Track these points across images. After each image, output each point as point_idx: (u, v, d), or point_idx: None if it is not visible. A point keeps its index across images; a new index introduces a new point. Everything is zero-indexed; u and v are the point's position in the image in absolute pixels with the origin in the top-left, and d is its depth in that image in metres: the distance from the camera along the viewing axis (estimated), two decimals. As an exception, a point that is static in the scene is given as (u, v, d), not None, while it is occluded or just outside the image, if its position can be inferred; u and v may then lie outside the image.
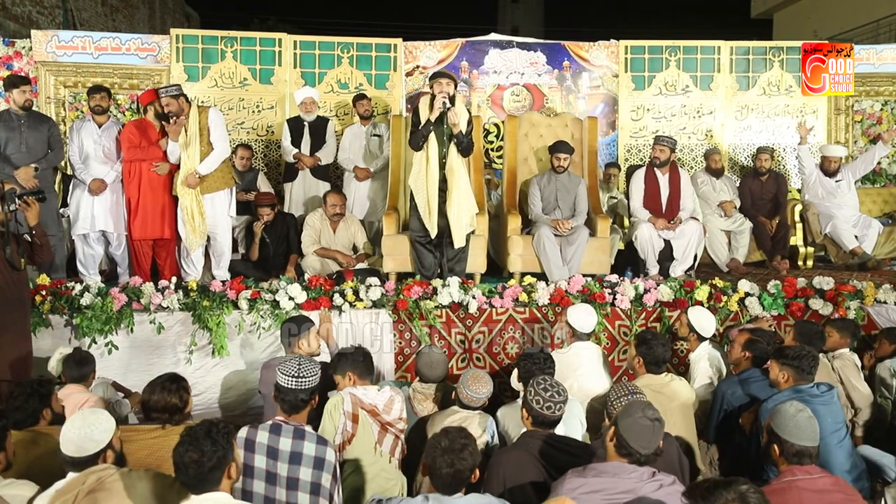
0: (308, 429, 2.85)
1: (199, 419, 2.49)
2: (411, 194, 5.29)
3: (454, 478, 2.36)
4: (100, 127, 5.49)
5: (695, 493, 2.14)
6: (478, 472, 2.44)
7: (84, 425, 2.50)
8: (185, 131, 5.30)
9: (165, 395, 3.12)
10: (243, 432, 2.79)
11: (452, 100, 5.15)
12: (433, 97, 5.15)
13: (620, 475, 2.43)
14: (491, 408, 3.56)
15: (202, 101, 6.86)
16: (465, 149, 5.24)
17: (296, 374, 2.84)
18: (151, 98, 5.49)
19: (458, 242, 5.23)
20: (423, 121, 5.17)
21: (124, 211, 5.47)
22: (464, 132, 5.18)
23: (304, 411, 2.90)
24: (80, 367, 3.83)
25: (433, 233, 5.19)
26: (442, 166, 5.19)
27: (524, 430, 2.96)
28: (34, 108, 5.61)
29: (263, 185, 6.54)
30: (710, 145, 7.28)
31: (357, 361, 3.46)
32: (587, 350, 4.13)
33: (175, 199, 5.41)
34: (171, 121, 5.28)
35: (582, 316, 4.22)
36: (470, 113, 5.42)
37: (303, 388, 2.84)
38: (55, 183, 5.96)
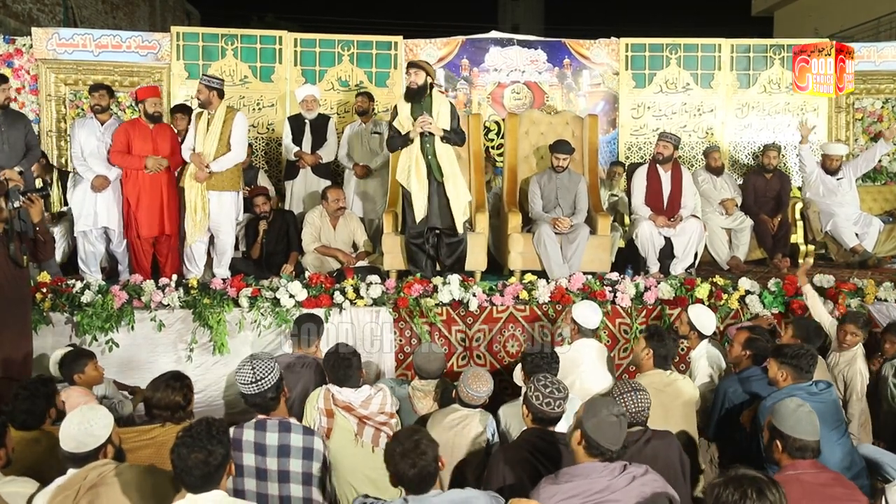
0: (293, 421, 2.86)
1: (200, 417, 2.49)
2: (404, 192, 5.29)
3: (420, 476, 2.38)
4: (102, 125, 5.49)
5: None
6: (443, 460, 2.47)
7: (83, 421, 2.52)
8: (208, 126, 5.32)
9: (169, 393, 3.13)
10: (229, 433, 2.79)
11: (424, 89, 5.17)
12: (409, 90, 5.21)
13: (592, 475, 2.44)
14: (492, 406, 3.56)
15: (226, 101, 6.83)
16: (455, 145, 5.28)
17: (252, 380, 2.79)
18: (147, 95, 5.46)
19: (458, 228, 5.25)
20: (402, 120, 5.20)
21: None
22: (448, 128, 5.18)
23: (281, 406, 2.89)
24: (63, 367, 3.81)
25: (419, 216, 5.18)
26: (427, 153, 5.19)
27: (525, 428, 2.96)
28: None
29: (264, 183, 6.53)
30: (710, 143, 7.28)
31: (329, 368, 3.45)
32: (589, 348, 4.13)
33: (178, 193, 5.43)
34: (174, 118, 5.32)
35: (587, 312, 4.23)
36: (452, 105, 5.38)
37: (265, 388, 2.80)
38: (52, 181, 5.98)
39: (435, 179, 5.22)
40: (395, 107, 5.35)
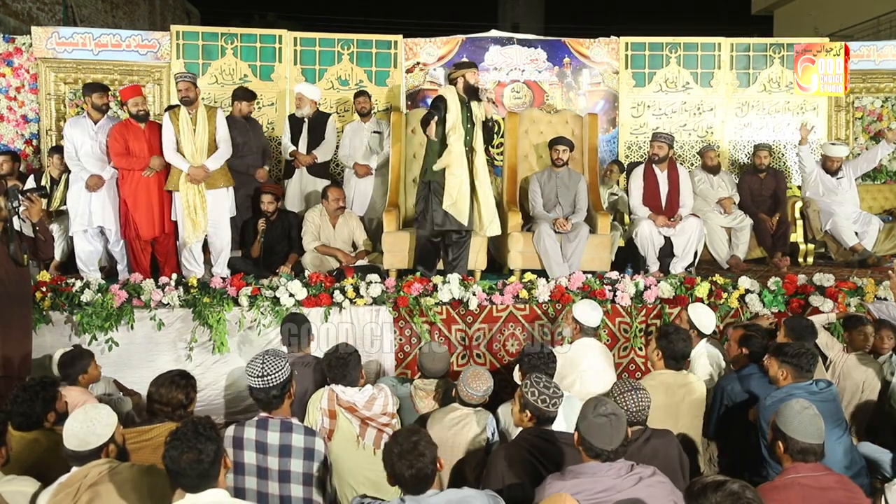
0: (295, 421, 2.87)
1: (187, 419, 2.50)
2: (426, 188, 5.19)
3: (417, 477, 2.38)
4: (95, 123, 5.46)
5: (686, 492, 2.15)
6: (441, 461, 2.47)
7: (86, 420, 2.53)
8: (194, 124, 5.33)
9: (173, 389, 3.14)
10: (230, 431, 2.81)
11: (476, 91, 5.11)
12: (470, 87, 5.08)
13: (598, 474, 2.43)
14: (492, 405, 3.57)
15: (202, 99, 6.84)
16: (490, 137, 5.29)
17: (260, 374, 2.84)
18: (129, 96, 5.42)
19: (493, 231, 5.24)
20: (450, 110, 5.00)
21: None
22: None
23: (284, 405, 2.91)
24: (68, 367, 3.81)
25: (465, 222, 5.12)
26: (466, 155, 5.13)
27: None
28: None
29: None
30: (709, 142, 7.28)
31: (327, 366, 3.46)
32: (590, 348, 4.12)
33: (169, 194, 5.44)
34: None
35: (588, 310, 4.23)
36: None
37: (270, 385, 2.84)
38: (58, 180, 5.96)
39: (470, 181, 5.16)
40: (445, 99, 5.05)
